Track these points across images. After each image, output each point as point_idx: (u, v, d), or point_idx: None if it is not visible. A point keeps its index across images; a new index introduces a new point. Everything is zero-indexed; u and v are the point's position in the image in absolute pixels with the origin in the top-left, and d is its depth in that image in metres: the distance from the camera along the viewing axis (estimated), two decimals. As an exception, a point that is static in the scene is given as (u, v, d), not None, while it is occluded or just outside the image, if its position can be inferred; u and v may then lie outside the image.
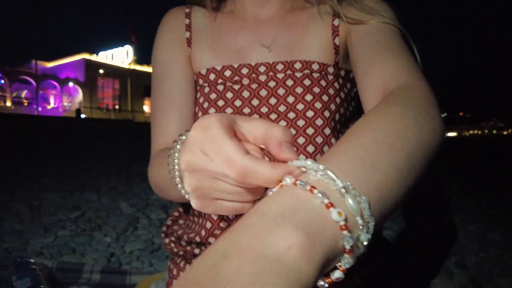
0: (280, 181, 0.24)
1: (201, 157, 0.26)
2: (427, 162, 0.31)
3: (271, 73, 0.58)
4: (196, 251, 0.58)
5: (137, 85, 42.22)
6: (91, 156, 3.94)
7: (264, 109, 0.57)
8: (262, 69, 0.58)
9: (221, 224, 0.56)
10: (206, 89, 0.60)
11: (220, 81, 0.59)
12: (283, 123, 0.57)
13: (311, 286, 0.19)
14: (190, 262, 0.60)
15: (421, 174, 0.30)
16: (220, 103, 0.58)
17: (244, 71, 0.59)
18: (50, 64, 42.28)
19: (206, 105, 0.59)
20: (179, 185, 0.34)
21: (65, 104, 39.94)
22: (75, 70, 40.25)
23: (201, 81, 0.61)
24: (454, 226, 1.66)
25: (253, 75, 0.58)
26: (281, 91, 0.57)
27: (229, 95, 0.59)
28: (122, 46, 44.02)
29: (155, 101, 0.62)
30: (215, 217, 0.56)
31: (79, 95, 39.47)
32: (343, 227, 0.21)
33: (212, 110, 0.59)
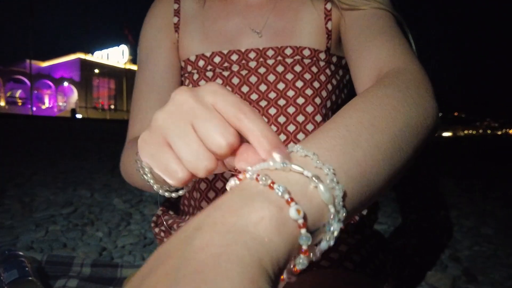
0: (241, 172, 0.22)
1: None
2: (416, 144, 0.31)
3: (261, 59, 0.57)
4: None
5: (133, 85, 42.00)
6: (85, 154, 3.91)
7: (254, 96, 0.56)
8: (252, 55, 0.57)
9: None
10: (195, 76, 0.59)
11: (209, 67, 0.58)
12: (273, 110, 0.56)
13: (283, 260, 0.18)
14: None
15: (410, 156, 0.30)
16: None
17: (234, 57, 0.58)
18: (45, 64, 42.02)
19: None
20: (150, 181, 0.33)
21: (60, 104, 39.70)
22: (70, 70, 40.03)
23: (189, 68, 0.60)
24: (449, 221, 1.66)
25: (243, 61, 0.57)
26: (271, 78, 0.56)
27: (218, 81, 0.57)
28: (118, 46, 43.89)
29: (137, 85, 0.60)
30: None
31: (74, 95, 39.25)
32: (301, 225, 0.19)
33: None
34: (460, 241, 1.37)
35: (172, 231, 0.61)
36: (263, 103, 0.56)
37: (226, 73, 0.58)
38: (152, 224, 0.66)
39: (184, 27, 0.61)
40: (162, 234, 0.62)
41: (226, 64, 0.58)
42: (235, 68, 0.57)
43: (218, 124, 0.23)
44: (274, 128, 0.55)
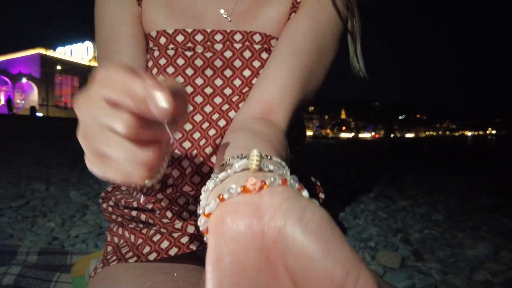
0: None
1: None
2: None
3: (228, 43, 0.55)
4: (133, 213, 0.56)
5: (99, 83, 40.28)
6: (43, 151, 3.70)
7: (218, 82, 0.55)
8: (218, 37, 0.55)
9: (158, 196, 0.55)
10: (156, 53, 0.56)
11: (171, 46, 0.55)
12: (236, 98, 0.55)
13: None
14: (127, 227, 0.58)
15: None
16: (170, 70, 0.55)
17: (199, 37, 0.55)
18: (0, 58, 39.27)
19: (155, 71, 0.56)
20: None
21: (18, 101, 37.25)
22: (29, 66, 37.73)
23: (151, 44, 0.57)
24: (404, 209, 1.75)
25: (208, 43, 0.55)
26: (237, 63, 0.55)
27: (180, 61, 0.55)
28: (82, 42, 42.01)
29: None
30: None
31: (34, 92, 37.00)
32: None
33: (161, 78, 0.55)
34: (412, 226, 1.45)
35: (120, 207, 0.59)
36: (227, 91, 0.55)
37: (189, 54, 0.55)
38: (100, 200, 0.64)
39: (147, 0, 0.56)
40: (110, 209, 0.61)
41: (189, 44, 0.55)
42: (199, 49, 0.55)
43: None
44: None
